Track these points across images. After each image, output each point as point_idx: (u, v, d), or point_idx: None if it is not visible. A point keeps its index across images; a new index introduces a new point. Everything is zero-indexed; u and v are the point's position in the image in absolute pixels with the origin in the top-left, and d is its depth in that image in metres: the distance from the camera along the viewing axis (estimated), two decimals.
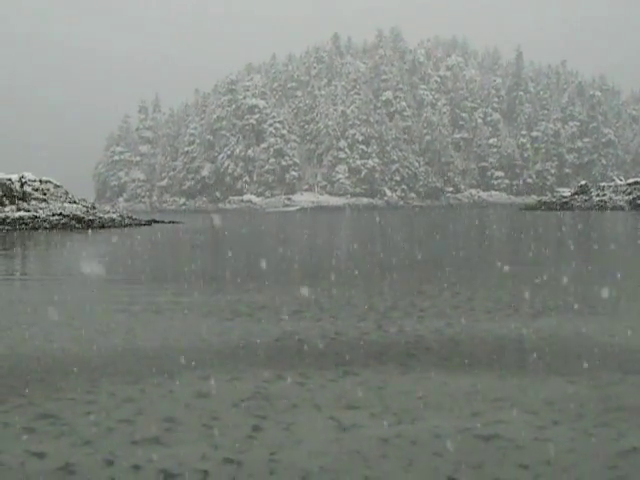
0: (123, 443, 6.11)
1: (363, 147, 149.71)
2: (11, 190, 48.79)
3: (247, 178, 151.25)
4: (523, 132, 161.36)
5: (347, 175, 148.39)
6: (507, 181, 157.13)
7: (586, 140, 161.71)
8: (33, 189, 50.02)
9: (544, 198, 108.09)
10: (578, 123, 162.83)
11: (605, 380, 7.94)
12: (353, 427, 6.43)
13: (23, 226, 45.93)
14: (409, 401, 7.23)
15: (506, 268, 19.66)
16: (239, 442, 6.08)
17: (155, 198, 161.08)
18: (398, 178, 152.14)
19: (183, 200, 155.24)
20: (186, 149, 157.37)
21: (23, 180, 50.02)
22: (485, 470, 5.42)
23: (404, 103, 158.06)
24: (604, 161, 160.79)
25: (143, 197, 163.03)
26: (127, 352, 9.71)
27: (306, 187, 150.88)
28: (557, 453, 5.73)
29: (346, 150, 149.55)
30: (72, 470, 5.56)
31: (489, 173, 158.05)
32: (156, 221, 61.26)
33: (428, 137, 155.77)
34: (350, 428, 6.40)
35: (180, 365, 8.87)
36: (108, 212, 57.02)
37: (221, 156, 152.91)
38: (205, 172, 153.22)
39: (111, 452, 5.89)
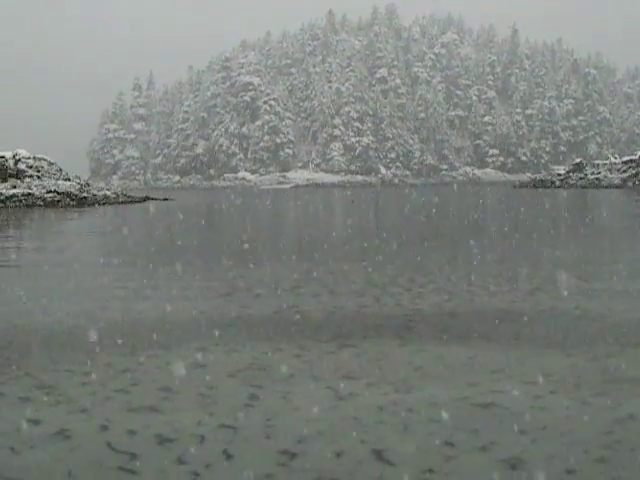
0: (119, 410, 6.13)
1: (358, 124, 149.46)
2: (5, 167, 48.56)
3: (241, 155, 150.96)
4: (518, 110, 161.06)
5: (342, 152, 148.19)
6: (502, 159, 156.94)
7: (581, 118, 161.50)
8: (27, 166, 49.78)
9: (538, 176, 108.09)
10: (573, 101, 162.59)
11: (603, 352, 7.94)
12: (350, 396, 6.44)
13: (17, 203, 45.79)
14: (406, 372, 7.24)
15: (504, 244, 19.66)
16: (235, 409, 6.09)
17: (149, 175, 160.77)
18: (393, 156, 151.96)
19: (177, 177, 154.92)
20: (180, 126, 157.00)
21: (17, 157, 49.81)
22: (481, 435, 5.43)
23: (399, 80, 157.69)
24: (599, 139, 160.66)
25: (137, 174, 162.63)
26: (124, 325, 9.71)
27: (300, 164, 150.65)
28: (554, 420, 5.74)
29: (341, 127, 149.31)
30: (67, 435, 5.58)
31: (484, 151, 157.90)
32: (150, 198, 61.13)
33: (423, 115, 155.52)
34: (347, 397, 6.42)
35: (177, 338, 8.88)
36: (102, 189, 56.86)
37: (215, 133, 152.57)
38: (199, 149, 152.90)
39: (107, 419, 5.91)
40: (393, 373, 7.18)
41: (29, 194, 47.15)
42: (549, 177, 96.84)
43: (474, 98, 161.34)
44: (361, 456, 5.07)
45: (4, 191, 46.72)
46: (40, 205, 46.16)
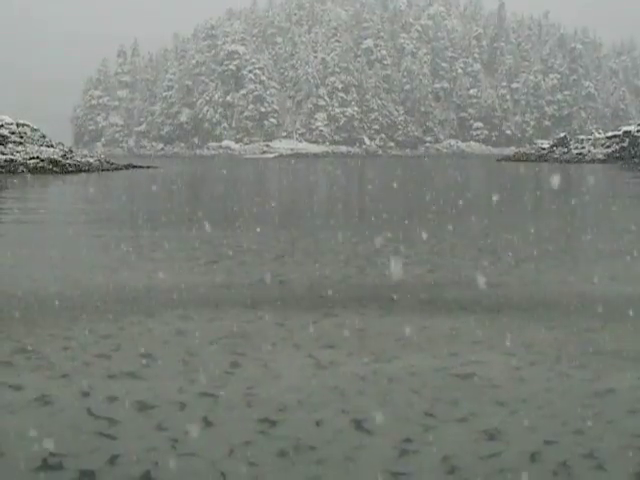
0: (100, 376, 6.13)
1: (342, 95, 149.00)
2: None
3: (226, 124, 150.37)
4: (503, 83, 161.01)
5: (326, 123, 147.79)
6: (486, 132, 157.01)
7: (566, 93, 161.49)
8: (10, 132, 49.39)
9: (522, 149, 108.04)
10: (559, 75, 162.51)
11: (584, 326, 7.96)
12: (331, 364, 6.46)
13: None
14: (387, 342, 7.26)
15: (489, 217, 19.69)
16: (216, 377, 6.10)
17: (133, 143, 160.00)
18: (377, 127, 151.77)
19: (161, 145, 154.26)
20: (164, 94, 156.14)
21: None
22: (461, 406, 5.46)
23: (384, 52, 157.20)
24: (584, 114, 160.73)
25: (121, 142, 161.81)
26: (108, 291, 9.68)
27: (285, 134, 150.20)
28: (533, 392, 5.77)
29: (325, 98, 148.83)
30: (48, 401, 5.56)
31: (468, 124, 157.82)
32: (134, 166, 60.88)
33: (408, 86, 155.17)
34: (328, 365, 6.43)
35: (160, 304, 8.87)
36: (85, 156, 56.56)
37: (200, 102, 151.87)
38: (183, 118, 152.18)
39: (88, 385, 5.90)
40: (375, 343, 7.20)
41: (12, 160, 46.83)
42: (533, 151, 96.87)
43: (460, 71, 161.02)
44: (340, 425, 5.09)
45: None
46: (23, 171, 45.82)
